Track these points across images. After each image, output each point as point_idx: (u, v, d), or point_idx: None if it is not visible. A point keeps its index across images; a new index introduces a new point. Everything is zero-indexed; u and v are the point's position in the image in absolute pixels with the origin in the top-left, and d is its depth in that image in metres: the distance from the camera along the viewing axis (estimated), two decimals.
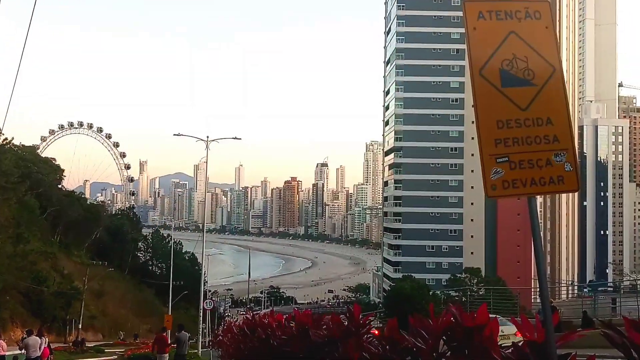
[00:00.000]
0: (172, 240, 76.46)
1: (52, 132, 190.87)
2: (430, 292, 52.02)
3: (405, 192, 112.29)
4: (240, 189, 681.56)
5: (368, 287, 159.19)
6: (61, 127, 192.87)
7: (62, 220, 69.67)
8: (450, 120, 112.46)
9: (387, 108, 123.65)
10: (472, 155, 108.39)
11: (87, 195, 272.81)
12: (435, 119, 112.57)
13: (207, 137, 44.31)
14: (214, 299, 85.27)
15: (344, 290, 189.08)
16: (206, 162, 47.44)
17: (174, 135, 45.66)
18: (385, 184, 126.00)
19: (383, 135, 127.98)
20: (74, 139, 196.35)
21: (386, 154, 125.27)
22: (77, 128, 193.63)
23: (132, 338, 54.06)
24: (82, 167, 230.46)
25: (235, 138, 47.38)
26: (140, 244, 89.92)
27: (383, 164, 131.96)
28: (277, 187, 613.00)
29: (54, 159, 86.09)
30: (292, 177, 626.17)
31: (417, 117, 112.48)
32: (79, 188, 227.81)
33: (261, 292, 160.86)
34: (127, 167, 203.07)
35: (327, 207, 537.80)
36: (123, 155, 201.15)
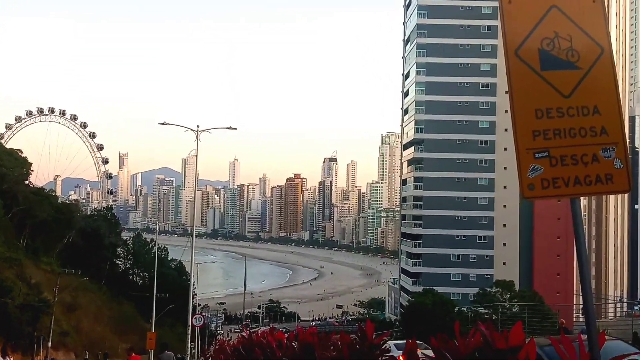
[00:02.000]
0: (157, 246, 76.66)
1: (18, 119, 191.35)
2: (456, 309, 52.07)
3: (427, 192, 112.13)
4: (236, 187, 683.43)
5: (383, 302, 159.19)
6: (29, 113, 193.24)
7: (30, 222, 69.92)
8: (480, 109, 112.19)
9: (406, 94, 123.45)
10: (506, 149, 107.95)
11: (59, 193, 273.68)
12: (462, 107, 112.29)
13: (198, 126, 44.45)
14: (204, 314, 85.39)
15: (355, 305, 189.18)
16: (196, 156, 47.56)
17: (159, 124, 45.84)
18: (404, 182, 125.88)
19: (401, 125, 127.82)
20: (43, 128, 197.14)
21: (405, 147, 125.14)
22: (47, 115, 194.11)
23: (102, 357, 54.16)
24: (53, 160, 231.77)
25: (230, 128, 47.62)
26: (119, 249, 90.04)
27: (401, 159, 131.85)
28: (277, 185, 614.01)
29: (20, 151, 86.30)
30: (295, 174, 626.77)
31: (441, 104, 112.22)
32: (49, 184, 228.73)
33: (259, 307, 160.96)
34: (105, 161, 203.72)
35: (335, 208, 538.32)
36: (100, 147, 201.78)
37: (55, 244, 76.24)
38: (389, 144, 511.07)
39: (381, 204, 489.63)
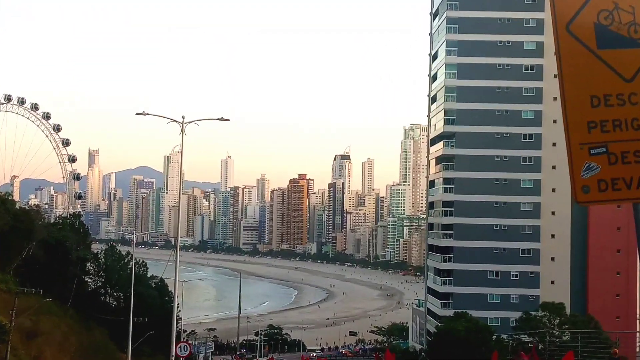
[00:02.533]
0: (134, 261, 76.72)
1: None
2: (494, 336, 52.03)
3: (459, 196, 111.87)
4: (229, 189, 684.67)
5: (406, 328, 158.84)
6: None
7: None
8: (523, 96, 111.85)
9: (433, 78, 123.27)
10: (555, 145, 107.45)
11: (16, 197, 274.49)
12: (501, 93, 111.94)
13: (183, 117, 44.56)
14: (190, 342, 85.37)
15: (372, 332, 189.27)
16: (181, 152, 47.65)
17: (137, 114, 45.91)
18: (431, 184, 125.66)
19: (428, 116, 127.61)
20: None
21: (432, 142, 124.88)
22: (2, 104, 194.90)
23: None
24: (9, 158, 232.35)
25: (222, 119, 47.49)
26: (89, 265, 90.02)
27: (428, 157, 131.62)
28: (279, 188, 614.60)
29: None
30: (300, 174, 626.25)
31: (475, 90, 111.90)
32: (5, 187, 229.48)
33: (257, 334, 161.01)
34: (72, 159, 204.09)
35: (348, 215, 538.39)
36: (66, 142, 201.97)
37: (11, 258, 76.29)
38: (413, 138, 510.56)
39: (404, 210, 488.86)
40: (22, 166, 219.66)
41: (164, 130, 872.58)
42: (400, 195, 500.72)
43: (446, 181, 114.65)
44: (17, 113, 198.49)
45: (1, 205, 77.85)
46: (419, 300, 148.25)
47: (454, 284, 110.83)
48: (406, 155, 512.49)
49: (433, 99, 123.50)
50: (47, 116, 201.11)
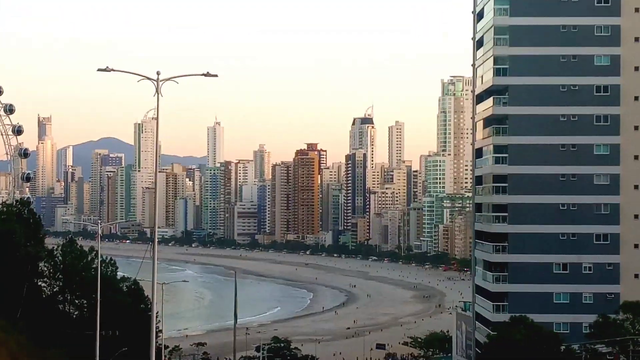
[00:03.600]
0: (99, 259, 76.95)
1: None
2: (562, 346, 51.99)
3: (514, 168, 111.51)
4: (218, 165, 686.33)
5: (448, 338, 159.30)
6: None
7: None
8: (596, 37, 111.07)
9: (479, 16, 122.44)
10: (637, 99, 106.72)
11: None
12: (567, 33, 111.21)
13: (158, 73, 44.23)
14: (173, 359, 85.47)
15: (406, 344, 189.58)
16: (157, 119, 47.35)
17: (99, 70, 45.71)
18: (478, 153, 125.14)
19: (473, 65, 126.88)
20: None
21: (478, 99, 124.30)
22: None
23: None
24: None
25: (209, 75, 47.20)
26: (42, 264, 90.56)
27: (473, 118, 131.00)
28: (282, 162, 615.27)
29: None
30: (308, 144, 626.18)
31: (534, 31, 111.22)
32: None
33: (258, 349, 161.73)
34: (18, 130, 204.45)
35: (372, 196, 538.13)
36: (10, 109, 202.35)
37: None
38: (454, 94, 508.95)
39: (443, 187, 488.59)
40: None
41: (134, 91, 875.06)
42: (438, 168, 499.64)
43: (497, 149, 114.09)
44: None
45: None
46: (464, 302, 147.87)
47: (510, 281, 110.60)
48: (445, 116, 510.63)
49: (479, 43, 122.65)
50: None
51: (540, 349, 57.31)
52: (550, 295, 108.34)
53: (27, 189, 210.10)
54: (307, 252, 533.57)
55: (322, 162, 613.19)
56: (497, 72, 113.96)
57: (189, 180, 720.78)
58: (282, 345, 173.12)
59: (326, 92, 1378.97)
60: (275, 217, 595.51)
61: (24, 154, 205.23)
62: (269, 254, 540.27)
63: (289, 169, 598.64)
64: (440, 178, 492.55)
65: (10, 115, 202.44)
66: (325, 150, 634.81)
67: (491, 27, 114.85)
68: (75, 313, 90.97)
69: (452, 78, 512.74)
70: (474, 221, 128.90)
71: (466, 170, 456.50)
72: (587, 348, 69.95)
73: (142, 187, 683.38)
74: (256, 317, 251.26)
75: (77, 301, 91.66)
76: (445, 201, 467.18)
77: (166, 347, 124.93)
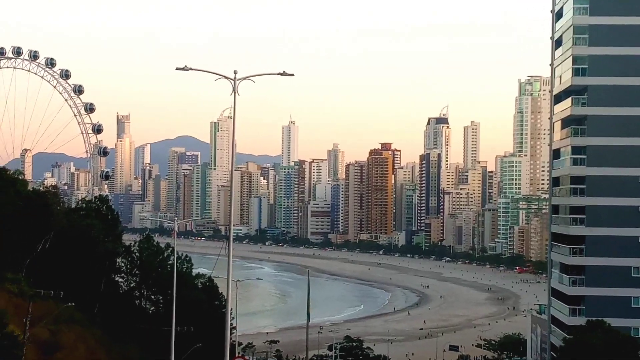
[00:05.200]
0: (175, 255, 77.52)
1: None
2: None
3: (593, 169, 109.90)
4: (292, 164, 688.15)
5: (523, 341, 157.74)
6: None
7: None
8: None
9: (558, 15, 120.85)
10: None
11: (29, 176, 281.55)
12: None
13: (235, 72, 44.36)
14: (247, 357, 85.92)
15: (479, 346, 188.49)
16: (233, 118, 47.53)
17: (178, 70, 46.02)
18: (556, 154, 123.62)
19: (551, 65, 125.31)
20: (5, 77, 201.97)
21: (556, 99, 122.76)
22: (11, 59, 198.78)
23: None
24: (19, 127, 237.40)
25: (285, 74, 47.25)
26: (120, 260, 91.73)
27: (551, 118, 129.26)
28: (356, 162, 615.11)
29: None
30: (382, 144, 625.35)
31: (615, 30, 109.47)
32: (14, 163, 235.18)
33: (330, 348, 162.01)
34: (98, 129, 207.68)
35: (447, 196, 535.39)
36: (90, 108, 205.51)
37: (24, 252, 77.80)
38: (532, 94, 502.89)
39: (519, 188, 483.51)
40: (35, 137, 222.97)
41: (210, 90, 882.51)
42: (514, 169, 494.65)
43: (575, 150, 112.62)
44: (28, 70, 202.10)
45: (9, 186, 79.30)
46: (540, 305, 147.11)
47: (587, 284, 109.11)
48: (522, 116, 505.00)
49: (557, 43, 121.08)
50: (66, 74, 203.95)
51: (618, 354, 56.29)
52: (628, 299, 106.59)
53: (105, 186, 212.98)
54: (380, 252, 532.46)
55: (396, 162, 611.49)
56: (576, 72, 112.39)
57: (264, 179, 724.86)
58: (355, 344, 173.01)
59: (401, 92, 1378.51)
60: (348, 216, 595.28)
61: (104, 152, 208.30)
62: (342, 253, 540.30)
63: (363, 168, 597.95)
64: (516, 179, 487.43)
65: (90, 114, 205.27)
66: (400, 150, 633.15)
67: (570, 26, 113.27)
68: (151, 308, 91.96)
69: (529, 78, 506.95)
70: (550, 223, 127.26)
71: (543, 171, 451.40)
72: None
73: (218, 185, 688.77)
74: (328, 316, 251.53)
75: (153, 297, 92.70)
76: (521, 202, 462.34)
77: (240, 344, 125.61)
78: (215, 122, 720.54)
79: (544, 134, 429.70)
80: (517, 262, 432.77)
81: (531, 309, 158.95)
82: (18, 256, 76.44)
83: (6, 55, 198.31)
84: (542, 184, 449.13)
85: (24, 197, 79.98)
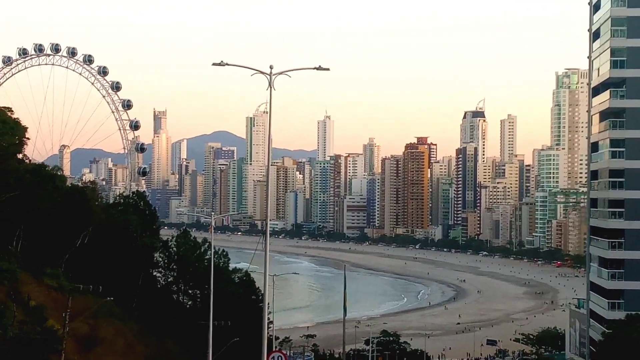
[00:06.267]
0: (213, 250, 77.73)
1: (7, 60, 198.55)
2: None
3: (632, 162, 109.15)
4: (328, 159, 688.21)
5: (562, 335, 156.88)
6: (22, 52, 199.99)
7: (26, 215, 72.07)
8: None
9: (595, 7, 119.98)
10: None
11: (67, 172, 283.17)
12: None
13: (271, 67, 44.36)
14: (284, 351, 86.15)
15: (517, 340, 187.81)
16: (269, 113, 47.56)
17: (214, 65, 46.08)
18: (594, 147, 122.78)
19: (589, 57, 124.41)
20: (43, 75, 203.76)
21: (594, 92, 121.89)
22: (49, 55, 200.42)
23: None
24: (58, 123, 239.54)
25: (321, 68, 47.24)
26: (157, 255, 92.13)
27: (589, 111, 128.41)
28: (392, 156, 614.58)
29: (11, 109, 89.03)
30: (418, 138, 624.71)
31: None
32: (53, 159, 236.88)
33: (367, 342, 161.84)
34: (135, 125, 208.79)
35: (483, 190, 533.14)
36: (128, 104, 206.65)
37: (62, 247, 78.32)
38: (569, 87, 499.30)
39: (557, 182, 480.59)
40: (73, 134, 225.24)
41: (247, 85, 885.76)
42: (551, 162, 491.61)
43: (614, 143, 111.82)
44: (66, 67, 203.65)
45: (48, 182, 79.85)
46: (578, 299, 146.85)
47: (626, 278, 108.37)
48: (559, 109, 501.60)
49: (595, 35, 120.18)
50: (103, 71, 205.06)
51: None
52: None
53: (143, 181, 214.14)
54: (417, 247, 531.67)
55: (432, 156, 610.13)
56: (614, 65, 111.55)
57: (299, 174, 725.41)
58: (392, 338, 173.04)
59: (437, 86, 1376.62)
60: (384, 210, 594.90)
61: (141, 148, 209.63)
62: (378, 247, 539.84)
63: (399, 162, 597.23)
64: (553, 172, 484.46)
65: (127, 111, 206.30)
66: (436, 144, 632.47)
67: (608, 18, 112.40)
68: (189, 303, 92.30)
69: (566, 70, 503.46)
70: (589, 217, 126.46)
71: (581, 164, 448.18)
72: None
73: (254, 180, 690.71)
74: (364, 310, 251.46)
75: (190, 291, 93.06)
76: (558, 196, 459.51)
77: (277, 338, 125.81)
78: (251, 117, 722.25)
79: (582, 127, 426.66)
80: (555, 256, 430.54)
81: (570, 303, 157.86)
82: (57, 251, 77.06)
83: (45, 52, 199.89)
84: (580, 177, 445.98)
85: (62, 193, 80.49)
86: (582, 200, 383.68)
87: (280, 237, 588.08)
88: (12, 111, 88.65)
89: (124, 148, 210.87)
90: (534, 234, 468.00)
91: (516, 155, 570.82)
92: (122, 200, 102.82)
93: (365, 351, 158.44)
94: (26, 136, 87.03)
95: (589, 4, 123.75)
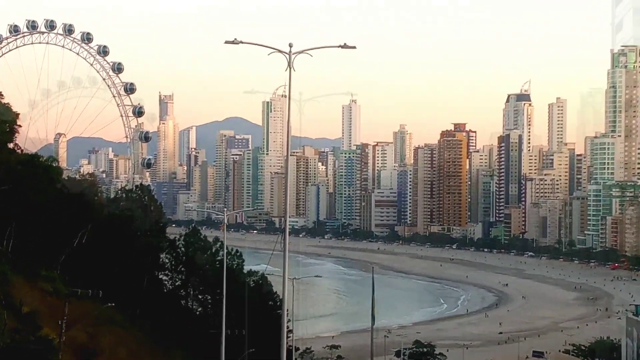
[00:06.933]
0: (225, 250, 77.83)
1: None
2: None
3: None
4: (354, 148, 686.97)
5: (617, 346, 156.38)
6: (13, 29, 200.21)
7: (17, 211, 72.38)
8: None
9: None
10: None
11: (64, 163, 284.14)
12: None
13: (290, 45, 44.33)
14: None
15: (567, 352, 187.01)
16: (288, 97, 47.43)
17: (227, 43, 46.13)
18: None
19: None
20: (37, 54, 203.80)
21: None
22: (43, 33, 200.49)
23: None
24: (53, 108, 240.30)
25: (345, 47, 47.17)
26: (164, 256, 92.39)
27: None
28: (425, 145, 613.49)
29: (0, 94, 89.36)
30: (455, 124, 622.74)
31: None
32: (48, 148, 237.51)
33: (398, 354, 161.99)
34: (139, 111, 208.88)
35: (529, 183, 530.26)
36: (130, 88, 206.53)
37: (58, 247, 78.58)
38: (626, 66, 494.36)
39: (612, 173, 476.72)
40: (70, 120, 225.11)
41: (263, 66, 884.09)
42: (606, 151, 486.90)
43: None
44: (62, 46, 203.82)
45: (44, 174, 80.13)
46: (636, 305, 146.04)
47: None
48: (615, 92, 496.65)
49: None
50: (103, 51, 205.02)
51: None
52: None
53: (147, 174, 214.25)
54: (454, 247, 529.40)
55: (471, 144, 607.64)
56: None
57: (322, 165, 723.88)
58: (425, 350, 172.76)
59: (476, 66, 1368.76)
60: (417, 206, 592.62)
61: (145, 137, 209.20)
62: (410, 247, 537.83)
63: (434, 152, 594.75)
64: (608, 163, 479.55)
65: (130, 95, 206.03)
66: (475, 132, 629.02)
67: None
68: (199, 309, 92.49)
69: (623, 48, 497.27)
70: None
71: (639, 153, 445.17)
72: None
73: (271, 172, 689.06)
74: (396, 319, 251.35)
75: (200, 296, 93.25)
76: (614, 189, 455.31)
77: (297, 349, 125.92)
78: (267, 102, 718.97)
79: None
80: (610, 257, 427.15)
81: (626, 310, 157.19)
82: (52, 251, 77.20)
83: (38, 29, 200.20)
84: (639, 168, 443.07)
85: (58, 187, 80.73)
86: None
87: (300, 235, 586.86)
88: (2, 96, 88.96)
89: (126, 137, 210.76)
90: (586, 232, 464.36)
91: (566, 144, 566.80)
92: (124, 195, 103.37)
93: None
94: (18, 123, 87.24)
95: None
